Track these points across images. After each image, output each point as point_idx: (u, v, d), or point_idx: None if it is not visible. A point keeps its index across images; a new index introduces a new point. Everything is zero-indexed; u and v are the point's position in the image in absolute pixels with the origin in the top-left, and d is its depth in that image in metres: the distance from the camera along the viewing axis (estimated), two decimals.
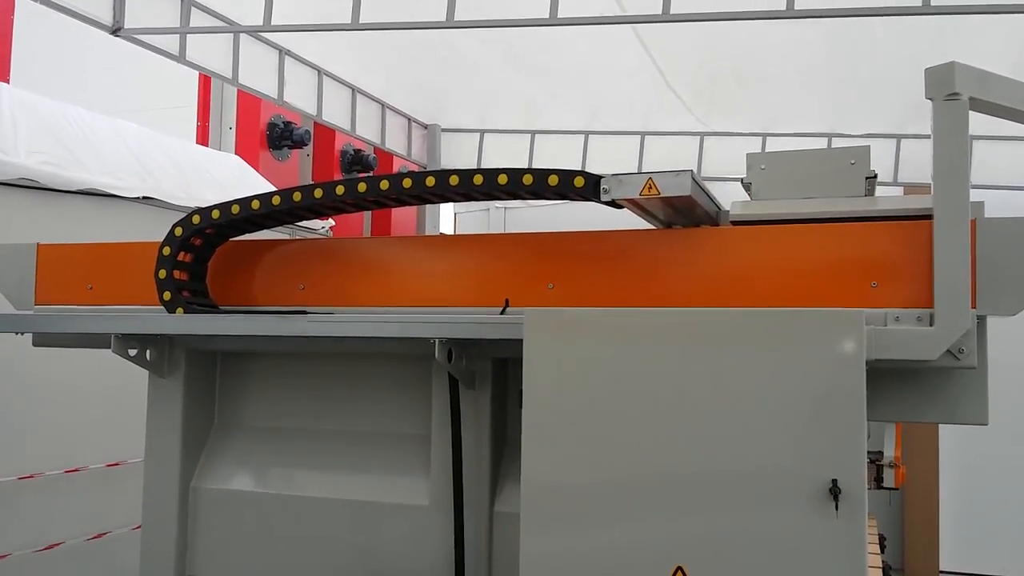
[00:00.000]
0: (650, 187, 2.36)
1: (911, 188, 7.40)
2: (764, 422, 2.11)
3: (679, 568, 2.14)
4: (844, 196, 2.69)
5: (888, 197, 2.79)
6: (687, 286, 2.47)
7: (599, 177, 2.44)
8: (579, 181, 2.44)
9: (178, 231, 2.87)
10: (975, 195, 2.27)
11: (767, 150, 7.33)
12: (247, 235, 3.05)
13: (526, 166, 7.77)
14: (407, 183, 2.63)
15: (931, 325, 2.19)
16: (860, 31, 5.23)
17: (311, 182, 6.37)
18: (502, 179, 2.51)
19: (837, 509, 2.02)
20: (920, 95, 2.26)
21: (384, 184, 2.66)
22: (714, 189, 2.75)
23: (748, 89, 6.48)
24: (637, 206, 2.58)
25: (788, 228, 2.46)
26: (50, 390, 4.57)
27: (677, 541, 2.15)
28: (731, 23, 4.52)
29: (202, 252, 2.97)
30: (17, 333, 3.15)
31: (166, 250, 2.86)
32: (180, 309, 2.84)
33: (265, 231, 3.04)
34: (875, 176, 2.74)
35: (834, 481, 2.03)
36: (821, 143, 7.24)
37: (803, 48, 5.62)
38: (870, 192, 2.76)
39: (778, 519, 2.08)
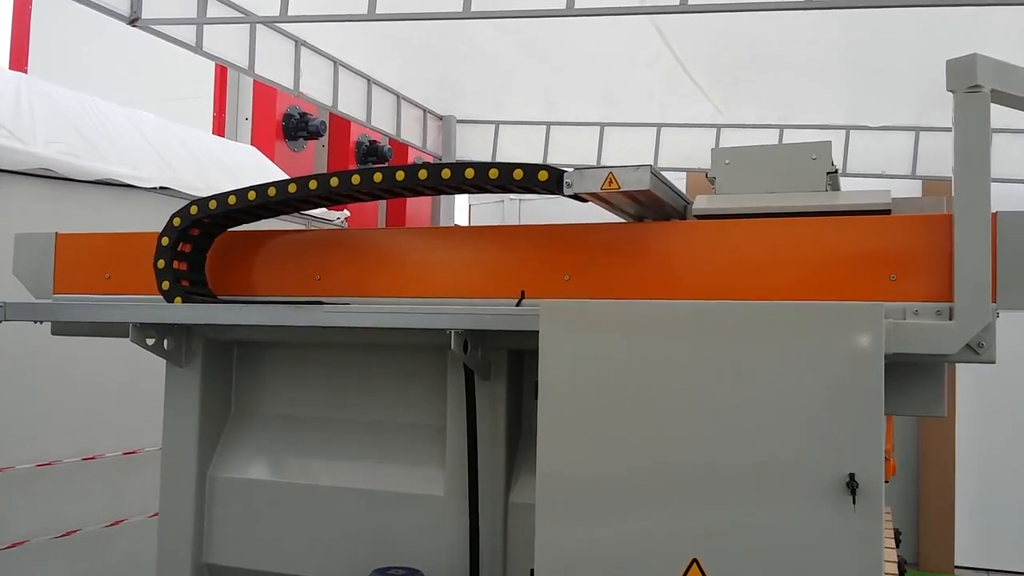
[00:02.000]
0: (611, 181, 2.42)
1: (930, 181, 7.35)
2: (781, 415, 2.10)
3: (694, 560, 2.14)
4: (805, 191, 2.71)
5: (848, 192, 2.82)
6: (704, 278, 2.46)
7: (562, 171, 2.49)
8: (543, 175, 2.51)
9: (176, 221, 2.90)
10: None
11: (784, 140, 7.30)
12: (249, 226, 3.06)
13: (541, 158, 7.78)
14: (378, 177, 2.71)
15: (951, 319, 2.17)
16: (879, 21, 5.18)
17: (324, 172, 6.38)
18: (469, 173, 2.60)
19: (854, 503, 2.01)
20: (940, 87, 2.24)
21: (356, 179, 2.72)
22: None
23: (767, 77, 6.43)
24: (602, 200, 2.62)
25: (810, 220, 2.45)
26: (68, 378, 4.61)
27: (692, 533, 2.15)
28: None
29: (201, 242, 2.99)
30: (36, 322, 3.17)
31: (164, 240, 2.90)
32: (178, 299, 2.86)
33: (276, 221, 3.06)
34: (836, 171, 2.75)
35: (851, 475, 2.02)
36: (839, 136, 7.19)
37: (821, 37, 5.57)
38: (832, 187, 2.77)
39: (794, 512, 2.08)
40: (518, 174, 2.54)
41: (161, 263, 2.89)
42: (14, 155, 4.38)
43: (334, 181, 2.77)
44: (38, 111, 4.74)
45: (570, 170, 2.50)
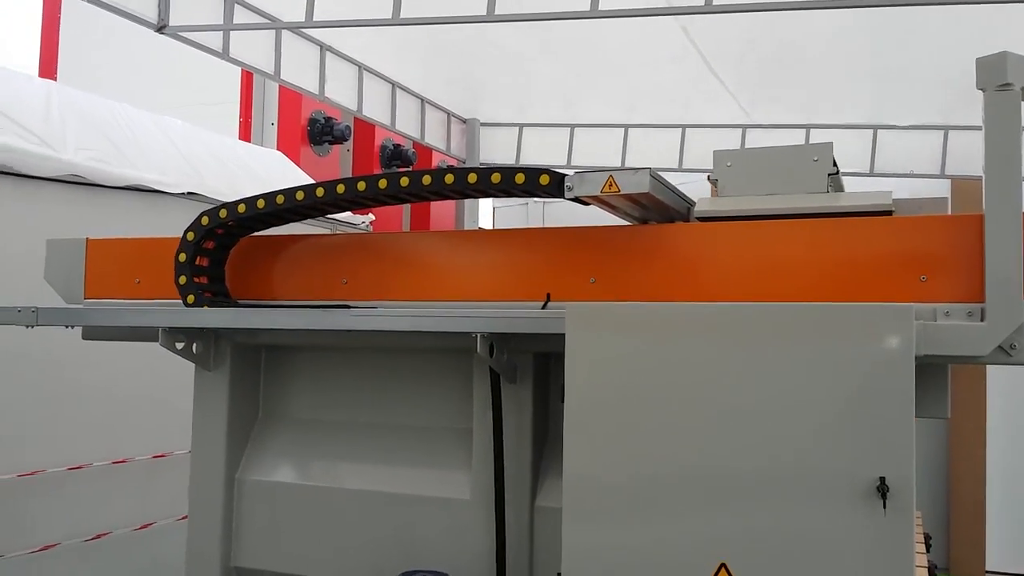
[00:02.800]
0: (611, 184, 2.44)
1: (958, 180, 7.26)
2: (810, 418, 2.08)
3: (723, 565, 2.12)
4: (807, 192, 2.70)
5: (849, 193, 2.82)
6: (732, 280, 2.45)
7: (563, 175, 2.51)
8: (544, 179, 2.53)
9: (192, 231, 2.94)
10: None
11: (811, 141, 7.24)
12: (274, 230, 3.09)
13: (565, 160, 7.76)
14: (383, 183, 2.74)
15: (982, 320, 2.15)
16: (906, 19, 5.13)
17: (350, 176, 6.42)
18: (472, 178, 2.62)
19: (885, 507, 1.99)
20: (968, 85, 2.22)
21: (361, 185, 2.75)
22: None
23: (793, 76, 6.39)
24: (604, 203, 2.63)
25: (838, 221, 2.43)
26: (97, 383, 4.66)
27: (721, 537, 2.14)
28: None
29: (223, 242, 3.03)
30: (67, 327, 3.21)
31: (190, 235, 2.94)
32: (191, 296, 2.90)
33: (301, 225, 3.08)
34: (837, 172, 2.74)
35: (882, 479, 2.00)
36: (867, 135, 7.13)
37: (848, 36, 5.53)
38: (834, 188, 2.76)
39: (824, 516, 2.06)
40: (520, 178, 2.57)
41: (182, 256, 2.93)
42: (45, 162, 4.45)
43: (340, 188, 2.81)
44: (68, 118, 4.81)
45: (571, 174, 2.52)
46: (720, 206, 2.72)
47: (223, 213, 2.93)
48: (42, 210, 4.43)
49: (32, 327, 3.07)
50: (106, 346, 3.47)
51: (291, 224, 3.19)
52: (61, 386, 4.51)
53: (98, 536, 4.69)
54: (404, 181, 2.70)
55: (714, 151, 2.90)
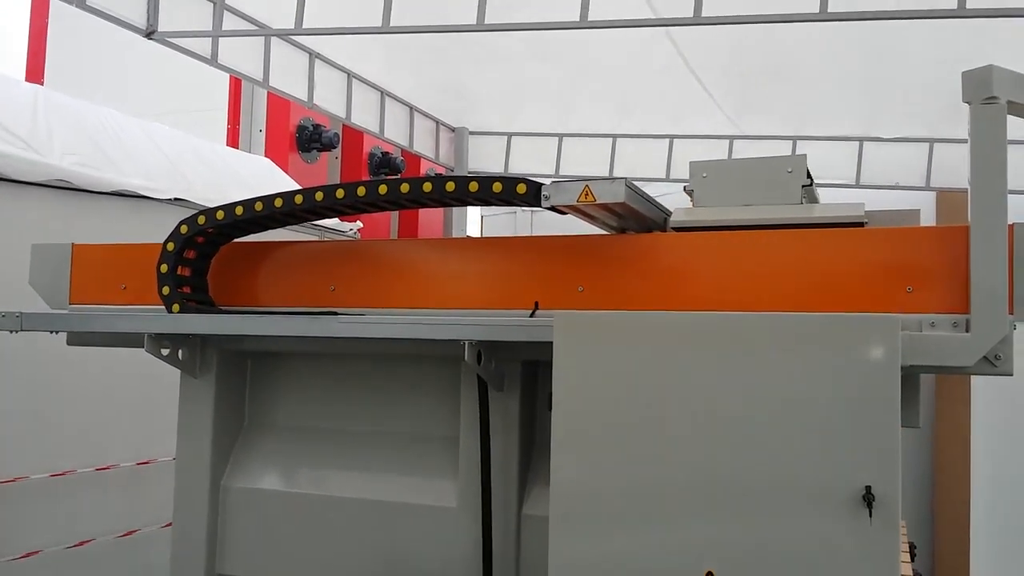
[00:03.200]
0: (586, 194, 2.46)
1: (944, 192, 7.32)
2: (796, 427, 2.09)
3: (709, 573, 2.12)
4: (781, 203, 2.73)
5: (823, 205, 2.86)
6: (719, 289, 2.45)
7: (540, 184, 2.53)
8: (521, 188, 2.56)
9: (171, 241, 2.93)
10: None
11: (797, 152, 7.28)
12: (261, 237, 3.08)
13: (553, 169, 7.77)
14: (361, 191, 2.74)
15: (967, 331, 2.16)
16: (894, 33, 5.17)
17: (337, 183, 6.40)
18: (449, 186, 2.64)
19: (871, 516, 2.00)
20: (954, 98, 2.24)
21: (340, 192, 2.76)
22: None
23: (780, 88, 6.44)
24: (581, 212, 2.65)
25: (825, 232, 2.44)
26: (82, 389, 4.63)
27: (707, 546, 2.14)
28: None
29: (205, 250, 3.02)
30: (51, 332, 3.19)
31: (170, 245, 2.92)
32: (176, 306, 2.88)
33: (289, 233, 3.07)
34: (811, 184, 2.78)
35: (868, 488, 2.01)
36: (853, 147, 7.17)
37: (836, 49, 5.58)
38: (807, 199, 2.79)
39: (810, 525, 2.07)
40: (497, 187, 2.59)
41: (164, 268, 2.92)
42: (31, 166, 4.43)
43: (319, 195, 2.81)
44: (54, 123, 4.79)
45: (547, 183, 2.54)
46: (695, 216, 2.75)
47: (201, 220, 2.92)
48: (27, 215, 4.40)
49: (16, 332, 3.05)
50: (91, 351, 3.44)
51: (280, 231, 3.19)
52: (45, 392, 4.48)
53: (81, 543, 4.65)
54: (383, 189, 2.72)
55: (690, 162, 2.94)
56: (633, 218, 2.75)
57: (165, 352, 3.02)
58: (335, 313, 2.80)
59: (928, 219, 7.58)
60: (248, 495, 3.11)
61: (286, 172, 7.19)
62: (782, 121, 7.21)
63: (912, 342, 2.11)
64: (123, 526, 4.88)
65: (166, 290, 2.91)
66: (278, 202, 2.85)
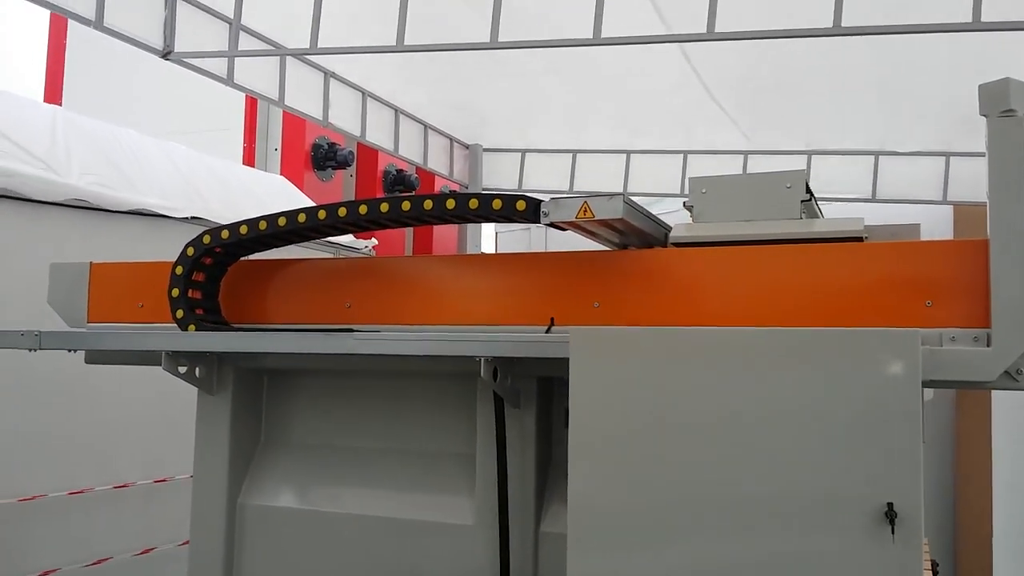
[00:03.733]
0: (585, 210, 2.48)
1: (961, 207, 7.28)
2: (816, 443, 2.07)
3: None
4: (781, 219, 2.72)
5: (822, 220, 2.88)
6: (736, 305, 2.44)
7: (539, 201, 2.55)
8: (520, 205, 2.58)
9: (190, 251, 2.97)
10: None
11: (812, 167, 7.26)
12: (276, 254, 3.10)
13: (568, 186, 7.77)
14: (363, 209, 2.78)
15: (988, 345, 2.14)
16: (908, 46, 5.16)
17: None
18: (450, 204, 2.67)
19: (893, 533, 1.98)
20: (969, 112, 2.22)
21: (343, 211, 2.80)
22: None
23: (794, 102, 6.42)
24: (581, 229, 2.66)
25: (843, 246, 2.43)
26: (99, 407, 4.65)
27: (727, 564, 2.12)
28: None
29: (214, 271, 3.05)
30: (70, 350, 3.20)
31: (179, 269, 2.95)
32: (192, 327, 2.90)
33: (303, 250, 3.09)
34: (811, 199, 2.79)
35: (890, 505, 1.99)
36: (868, 161, 7.15)
37: (850, 63, 5.56)
38: (807, 214, 2.79)
39: (832, 542, 2.04)
40: (497, 204, 2.62)
41: (175, 292, 2.95)
42: (49, 186, 4.47)
43: (322, 214, 2.84)
44: (72, 143, 4.83)
45: (547, 200, 2.56)
46: (695, 232, 2.76)
47: (207, 239, 2.96)
48: (46, 234, 4.44)
49: (35, 351, 3.07)
50: (108, 369, 3.46)
51: (295, 247, 3.20)
52: (63, 410, 4.50)
53: (99, 561, 4.66)
54: (384, 207, 2.75)
55: (690, 178, 2.95)
56: (633, 234, 2.76)
57: (182, 370, 3.03)
58: (351, 330, 2.81)
59: (945, 233, 7.53)
60: (265, 512, 3.11)
61: (301, 190, 7.23)
62: (796, 136, 7.19)
63: (932, 357, 2.09)
64: (140, 544, 4.88)
65: (180, 313, 2.92)
66: (282, 220, 2.88)
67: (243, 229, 2.92)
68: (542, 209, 2.55)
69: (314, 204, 3.25)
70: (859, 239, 2.54)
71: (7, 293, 4.14)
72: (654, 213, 2.75)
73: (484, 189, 8.23)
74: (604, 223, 2.58)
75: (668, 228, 2.84)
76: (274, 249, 3.12)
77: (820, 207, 3.07)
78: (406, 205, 2.72)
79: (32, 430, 4.36)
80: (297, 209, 2.89)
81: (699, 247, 2.63)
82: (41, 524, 4.41)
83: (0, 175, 4.22)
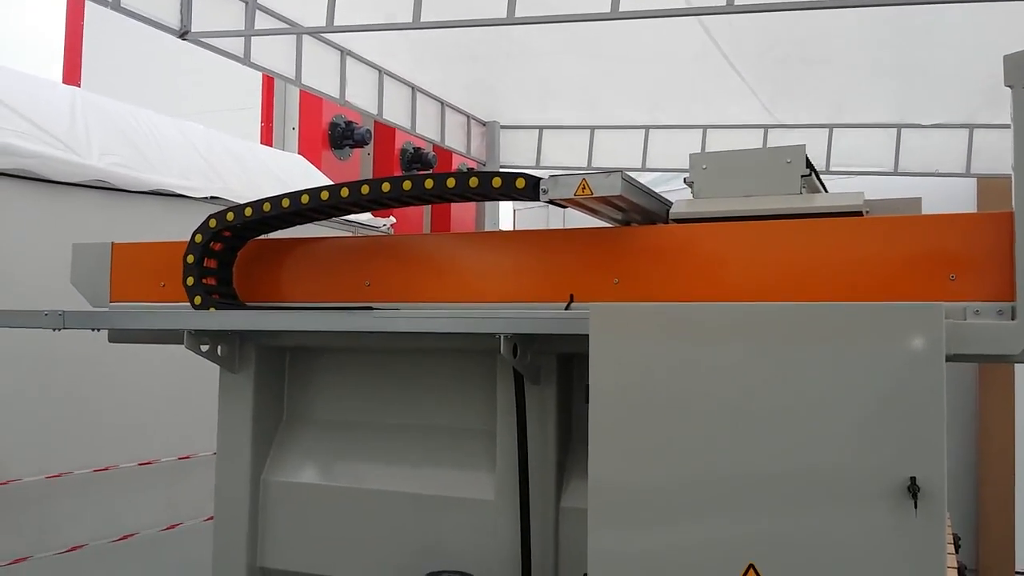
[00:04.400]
0: (584, 187, 2.50)
1: (985, 179, 7.19)
2: (839, 418, 2.06)
3: (751, 566, 2.11)
4: (781, 194, 2.72)
5: (822, 195, 2.88)
6: (757, 280, 2.43)
7: (539, 179, 2.57)
8: (520, 183, 2.60)
9: (200, 236, 3.00)
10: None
11: (834, 140, 7.20)
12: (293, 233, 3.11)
13: (585, 162, 7.73)
14: (365, 189, 2.81)
15: (1013, 319, 2.12)
16: (929, 17, 5.08)
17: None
18: (451, 183, 2.70)
19: (916, 508, 1.97)
20: (993, 82, 2.19)
21: (344, 191, 2.83)
22: None
23: (815, 74, 6.34)
24: (581, 206, 2.68)
25: (863, 220, 2.41)
26: (124, 385, 4.70)
27: (749, 539, 2.12)
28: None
29: (229, 246, 3.08)
30: (93, 329, 3.24)
31: (192, 253, 2.99)
32: (198, 298, 2.94)
33: (323, 228, 3.10)
34: (810, 174, 2.78)
35: (912, 479, 1.98)
36: (891, 134, 7.06)
37: (872, 34, 5.49)
38: (807, 189, 2.79)
39: (854, 517, 2.04)
40: (497, 182, 2.63)
41: (190, 258, 2.99)
42: (70, 167, 4.49)
43: (324, 195, 2.86)
44: (92, 124, 4.85)
45: (546, 177, 2.57)
46: (695, 208, 2.76)
47: (230, 216, 2.97)
48: (68, 215, 4.47)
49: (59, 330, 3.10)
50: (131, 348, 3.49)
51: (315, 227, 3.21)
52: (88, 389, 4.55)
53: (125, 537, 4.73)
54: (386, 187, 2.77)
55: (690, 154, 2.96)
56: (634, 211, 2.76)
57: (204, 348, 3.05)
58: (371, 308, 2.82)
59: (969, 205, 7.45)
60: (288, 489, 3.14)
61: (319, 169, 7.24)
62: (817, 108, 7.11)
63: (956, 331, 2.07)
64: (165, 520, 4.95)
65: (190, 280, 2.97)
66: (285, 202, 2.90)
67: (248, 211, 2.95)
68: (541, 187, 2.57)
69: (332, 183, 3.26)
70: (859, 213, 2.53)
71: (30, 274, 4.18)
72: (672, 188, 2.76)
73: (502, 166, 8.21)
74: (604, 200, 2.59)
75: (669, 204, 2.84)
76: (293, 228, 3.14)
77: (823, 181, 3.06)
78: (407, 184, 2.75)
79: (57, 409, 4.42)
80: (299, 191, 2.91)
81: (699, 223, 2.64)
82: (68, 500, 4.48)
83: (21, 156, 4.25)
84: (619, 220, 2.90)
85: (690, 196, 2.88)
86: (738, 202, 2.70)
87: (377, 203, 2.92)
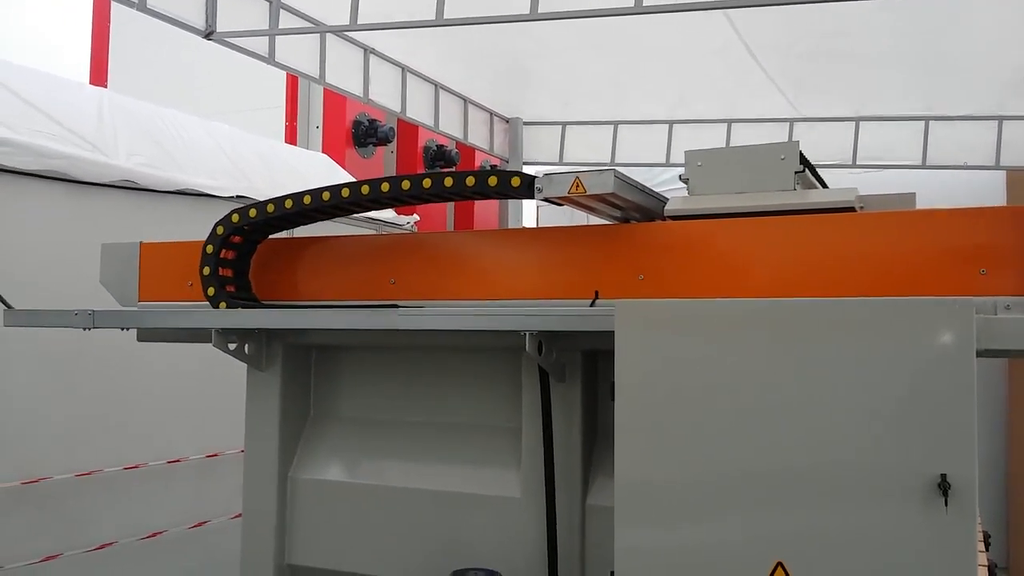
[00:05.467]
0: (577, 185, 2.53)
1: (1014, 172, 7.09)
2: (868, 414, 2.04)
3: (779, 564, 2.09)
4: (775, 190, 2.73)
5: (815, 191, 2.92)
6: (785, 276, 2.41)
7: (534, 177, 2.61)
8: (515, 181, 2.65)
9: (220, 229, 3.05)
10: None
11: (860, 134, 7.13)
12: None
13: (609, 158, 7.71)
14: (365, 189, 2.86)
15: None
16: (956, 8, 5.02)
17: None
18: (448, 182, 2.75)
19: (946, 505, 1.95)
20: (1022, 74, 2.15)
21: (345, 191, 2.88)
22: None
23: (841, 68, 6.28)
24: (576, 204, 2.72)
25: (895, 215, 2.39)
26: (153, 384, 4.74)
27: (777, 536, 2.11)
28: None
29: (243, 248, 3.11)
30: (122, 329, 3.27)
31: (209, 248, 3.02)
32: (223, 304, 2.96)
33: (348, 227, 3.12)
34: (804, 171, 2.79)
35: (943, 476, 1.96)
36: (918, 127, 6.99)
37: (898, 26, 5.42)
38: (801, 185, 2.80)
39: (884, 514, 2.02)
40: (493, 181, 2.67)
41: (207, 270, 3.02)
42: (98, 168, 4.54)
43: (326, 195, 2.91)
44: (119, 125, 4.90)
45: (540, 176, 2.60)
46: (691, 204, 2.77)
47: (252, 213, 3.02)
48: (96, 215, 4.52)
49: (89, 329, 3.14)
50: (160, 347, 3.52)
51: (339, 225, 3.23)
52: (116, 387, 4.60)
53: (153, 535, 4.77)
54: (385, 187, 2.82)
55: (685, 151, 2.99)
56: (631, 208, 2.79)
57: (232, 346, 3.08)
58: (396, 306, 2.83)
59: (998, 199, 7.35)
60: (315, 486, 3.16)
61: (343, 167, 7.27)
62: (844, 102, 7.04)
63: (987, 326, 2.04)
64: (193, 517, 4.99)
65: (207, 271, 3.01)
66: (288, 203, 2.94)
67: (270, 208, 3.00)
68: (536, 185, 2.60)
69: (355, 180, 3.28)
70: (851, 209, 2.54)
71: (59, 274, 4.22)
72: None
73: (524, 163, 8.20)
74: (599, 198, 2.62)
75: (665, 200, 2.86)
76: (314, 226, 3.16)
77: (821, 177, 3.07)
78: (406, 184, 2.81)
79: (87, 407, 4.47)
80: (320, 188, 2.94)
81: (694, 220, 2.66)
82: (97, 498, 4.53)
83: (50, 157, 4.30)
84: (618, 218, 2.94)
85: (686, 193, 2.90)
86: (732, 199, 2.72)
87: (377, 203, 2.97)
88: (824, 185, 3.06)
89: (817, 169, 3.09)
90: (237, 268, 3.11)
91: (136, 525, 4.71)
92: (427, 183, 2.77)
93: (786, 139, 7.13)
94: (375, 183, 2.83)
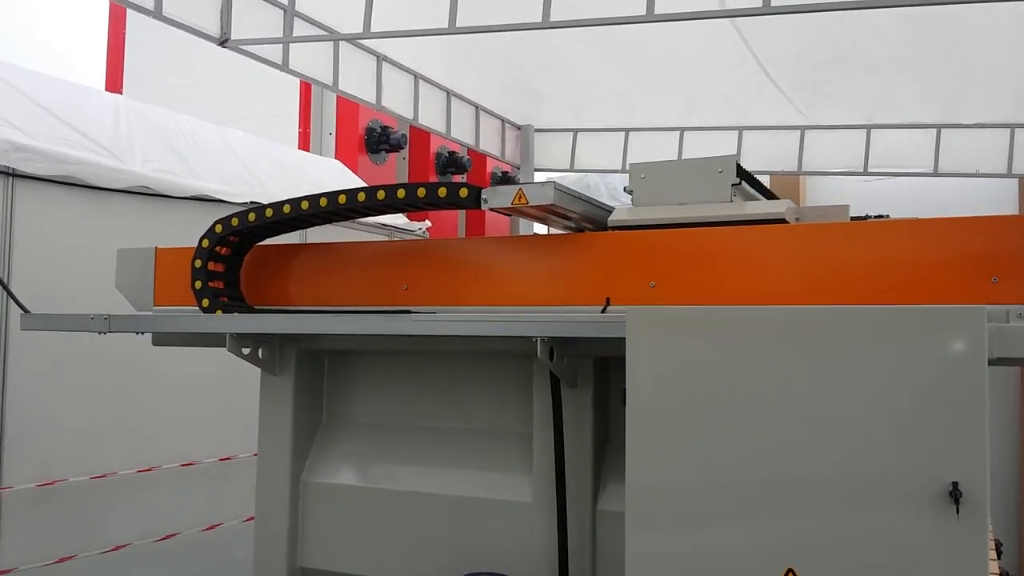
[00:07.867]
0: (520, 196, 2.64)
1: None
2: (880, 422, 2.05)
3: (790, 570, 2.10)
4: (712, 202, 2.82)
5: (750, 203, 2.97)
6: (799, 282, 2.43)
7: (480, 189, 2.71)
8: (463, 192, 2.76)
9: (205, 242, 3.11)
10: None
11: (872, 141, 7.13)
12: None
13: (620, 165, 7.71)
14: (323, 201, 2.96)
15: None
16: (969, 16, 5.02)
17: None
18: (400, 193, 2.84)
19: (958, 512, 1.95)
20: None
21: (305, 204, 2.98)
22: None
23: (851, 78, 6.28)
24: (523, 214, 2.83)
25: (906, 223, 2.40)
26: (166, 387, 4.78)
27: (787, 542, 2.12)
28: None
29: (234, 251, 3.18)
30: (138, 333, 3.30)
31: (200, 258, 3.09)
32: (205, 301, 3.02)
33: (359, 233, 3.16)
34: (740, 183, 2.89)
35: (955, 484, 1.96)
36: (930, 135, 6.98)
37: (909, 34, 5.43)
38: (739, 197, 2.90)
39: (895, 521, 2.03)
40: (442, 192, 2.77)
41: (199, 272, 3.08)
42: (114, 174, 4.58)
43: (287, 208, 3.00)
44: (135, 131, 4.95)
45: (487, 188, 2.71)
46: (633, 215, 2.88)
47: (235, 221, 3.08)
48: (112, 221, 4.56)
49: (104, 333, 3.17)
50: (175, 351, 3.55)
51: (352, 232, 3.25)
52: (131, 391, 4.63)
53: (168, 537, 4.80)
54: (342, 199, 2.92)
55: (630, 164, 3.05)
56: (582, 219, 2.89)
57: (246, 351, 3.10)
58: (409, 312, 2.85)
59: (1011, 207, 7.33)
60: (327, 490, 3.18)
61: (356, 174, 7.30)
62: (854, 110, 7.04)
63: (999, 334, 2.05)
64: (206, 520, 5.02)
65: (198, 284, 3.06)
66: (268, 212, 3.02)
67: (251, 216, 3.07)
68: (482, 196, 2.70)
69: (367, 185, 3.33)
70: (782, 221, 2.65)
71: (76, 279, 4.27)
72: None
73: (536, 170, 8.23)
74: (544, 208, 2.70)
75: (610, 210, 2.95)
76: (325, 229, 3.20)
77: (765, 188, 3.17)
78: (361, 196, 2.92)
79: (102, 411, 4.51)
80: (281, 201, 3.04)
81: (635, 230, 2.76)
82: (112, 501, 4.57)
83: (67, 163, 4.34)
84: (572, 228, 3.02)
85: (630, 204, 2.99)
86: (673, 210, 2.82)
87: (336, 214, 3.06)
88: (770, 196, 3.11)
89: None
90: (227, 270, 3.16)
91: (150, 527, 4.74)
92: (381, 195, 2.88)
93: (796, 147, 7.14)
94: (333, 195, 2.93)
